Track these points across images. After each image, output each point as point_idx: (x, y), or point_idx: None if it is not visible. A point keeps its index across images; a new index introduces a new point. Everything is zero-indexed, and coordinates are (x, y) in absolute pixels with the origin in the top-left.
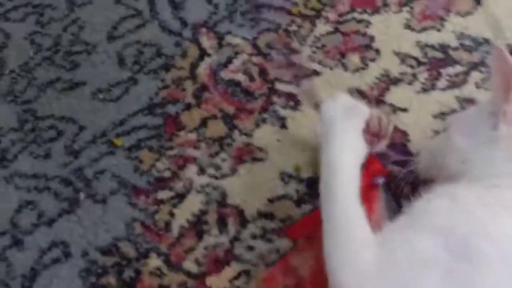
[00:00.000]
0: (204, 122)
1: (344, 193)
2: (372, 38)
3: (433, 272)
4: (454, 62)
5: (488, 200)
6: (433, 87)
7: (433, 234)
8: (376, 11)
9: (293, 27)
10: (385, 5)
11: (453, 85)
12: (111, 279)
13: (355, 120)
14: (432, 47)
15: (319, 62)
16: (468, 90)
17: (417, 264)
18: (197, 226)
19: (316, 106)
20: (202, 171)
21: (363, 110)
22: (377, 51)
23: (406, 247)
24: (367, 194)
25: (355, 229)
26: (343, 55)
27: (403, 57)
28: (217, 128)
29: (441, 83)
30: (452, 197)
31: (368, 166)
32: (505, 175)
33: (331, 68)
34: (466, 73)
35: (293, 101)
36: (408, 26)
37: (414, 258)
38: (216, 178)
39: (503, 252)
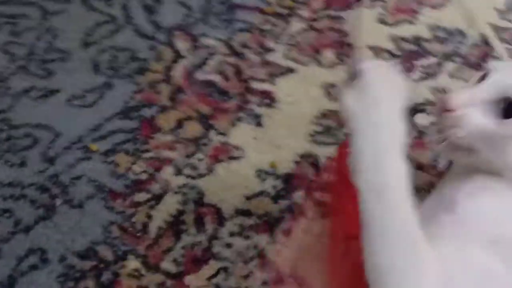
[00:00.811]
0: (179, 123)
1: (400, 200)
2: (346, 34)
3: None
4: (427, 53)
5: None
6: (407, 79)
7: (485, 244)
8: (349, 7)
9: (267, 26)
10: (358, 0)
11: (427, 76)
12: (90, 283)
13: (401, 98)
14: (406, 39)
15: (294, 60)
16: (442, 80)
17: (477, 280)
18: (175, 226)
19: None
20: (178, 171)
21: (404, 84)
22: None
23: (462, 262)
24: None
25: (416, 247)
26: (317, 51)
27: (377, 51)
28: (193, 129)
29: (415, 74)
30: (498, 195)
31: None
32: None
33: (306, 65)
34: (440, 64)
35: (268, 98)
36: (382, 21)
37: (472, 273)
38: (193, 178)
39: None
